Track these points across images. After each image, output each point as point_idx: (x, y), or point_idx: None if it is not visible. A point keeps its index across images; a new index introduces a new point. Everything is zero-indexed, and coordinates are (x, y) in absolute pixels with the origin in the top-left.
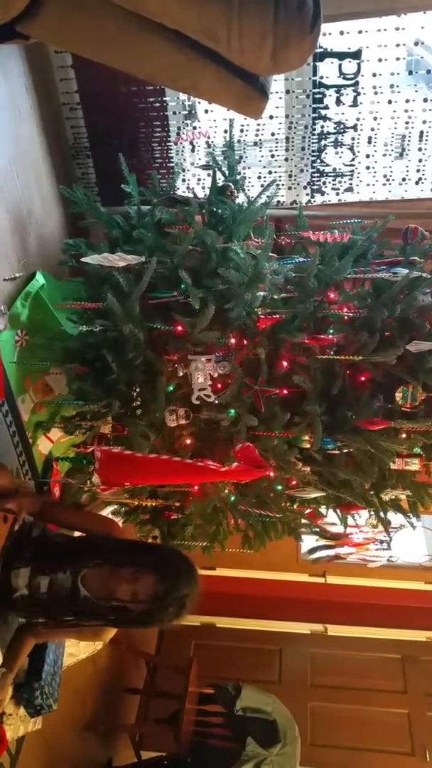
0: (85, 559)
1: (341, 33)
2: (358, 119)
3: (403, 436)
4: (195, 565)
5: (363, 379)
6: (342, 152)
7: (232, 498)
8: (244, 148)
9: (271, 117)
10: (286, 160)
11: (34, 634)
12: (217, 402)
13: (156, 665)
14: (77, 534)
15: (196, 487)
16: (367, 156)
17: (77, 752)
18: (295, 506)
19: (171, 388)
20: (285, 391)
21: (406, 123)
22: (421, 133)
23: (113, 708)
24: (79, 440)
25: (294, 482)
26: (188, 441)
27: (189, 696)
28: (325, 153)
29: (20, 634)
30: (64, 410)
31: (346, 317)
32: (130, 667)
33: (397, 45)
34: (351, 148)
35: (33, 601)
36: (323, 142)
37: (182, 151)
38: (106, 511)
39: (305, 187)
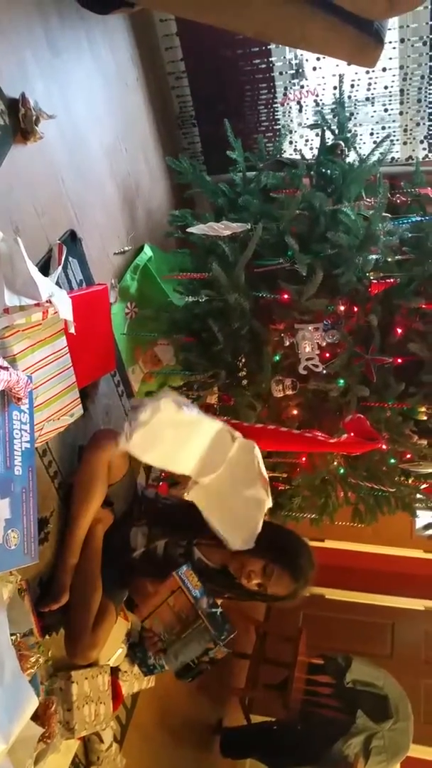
0: (198, 531)
1: None
2: None
3: None
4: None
5: None
6: None
7: (342, 470)
8: (355, 105)
9: (384, 69)
10: (401, 114)
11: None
12: (325, 372)
13: (265, 632)
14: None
15: (303, 459)
16: None
17: (189, 711)
18: (409, 481)
19: (277, 358)
20: (399, 360)
21: None
22: None
23: (223, 671)
24: None
25: (408, 456)
26: (295, 412)
27: (298, 664)
28: None
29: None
30: (171, 380)
31: None
32: (240, 632)
33: None
34: None
35: (150, 560)
36: None
37: (289, 112)
38: None
39: (422, 141)
